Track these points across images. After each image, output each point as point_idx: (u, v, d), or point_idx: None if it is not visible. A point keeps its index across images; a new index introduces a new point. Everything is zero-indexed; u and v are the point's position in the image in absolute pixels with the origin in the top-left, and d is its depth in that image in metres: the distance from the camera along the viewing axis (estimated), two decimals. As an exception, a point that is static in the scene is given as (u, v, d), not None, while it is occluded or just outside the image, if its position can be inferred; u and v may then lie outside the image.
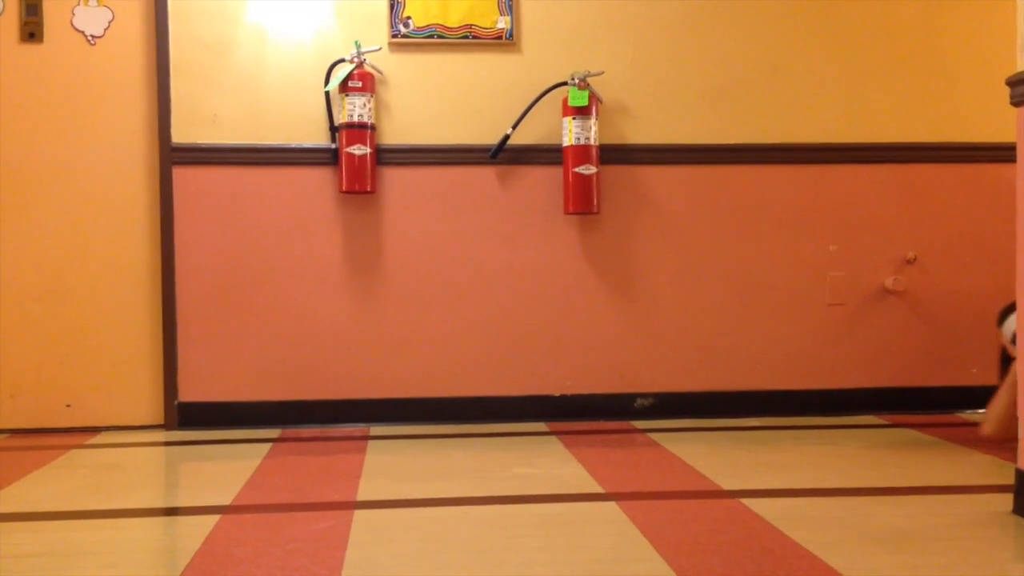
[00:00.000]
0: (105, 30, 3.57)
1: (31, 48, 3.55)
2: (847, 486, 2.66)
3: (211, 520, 2.33)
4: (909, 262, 3.81)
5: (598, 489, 2.64)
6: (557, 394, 3.72)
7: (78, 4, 3.55)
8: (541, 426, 3.57)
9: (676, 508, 2.45)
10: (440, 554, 2.10)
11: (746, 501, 2.46)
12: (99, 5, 3.56)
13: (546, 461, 3.02)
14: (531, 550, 2.11)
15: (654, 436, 3.38)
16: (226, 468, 2.96)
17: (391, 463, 3.02)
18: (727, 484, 2.66)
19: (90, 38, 3.57)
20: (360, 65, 3.50)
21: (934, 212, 3.83)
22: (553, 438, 3.36)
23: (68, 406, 3.61)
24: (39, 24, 3.54)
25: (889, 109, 3.79)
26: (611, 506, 2.44)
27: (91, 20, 3.56)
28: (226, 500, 2.54)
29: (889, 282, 3.80)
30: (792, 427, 3.55)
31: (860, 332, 3.81)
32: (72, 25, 3.56)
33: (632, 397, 3.75)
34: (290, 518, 2.37)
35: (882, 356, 3.82)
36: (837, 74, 3.77)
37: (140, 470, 3.13)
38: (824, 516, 2.36)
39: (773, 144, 3.75)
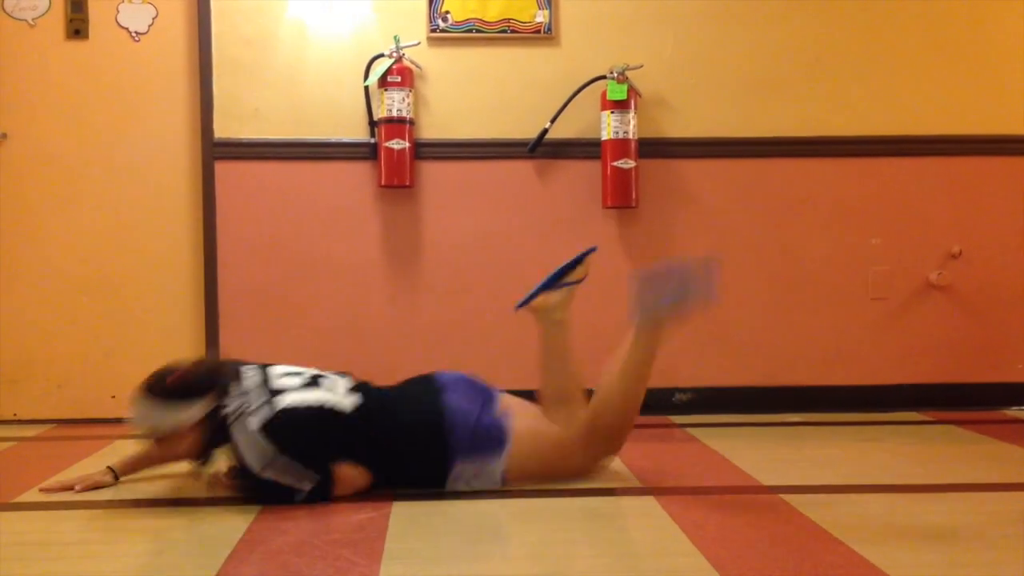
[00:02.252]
0: (149, 27, 3.62)
1: (77, 45, 3.61)
2: (889, 482, 2.63)
3: (254, 509, 2.36)
4: (954, 256, 3.76)
5: (636, 483, 2.63)
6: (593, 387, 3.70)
7: (123, 1, 3.61)
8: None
9: (715, 503, 2.44)
10: (478, 545, 2.11)
11: (786, 497, 2.44)
12: (143, 2, 3.61)
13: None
14: (570, 543, 2.11)
15: (693, 431, 3.36)
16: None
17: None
18: (767, 480, 2.64)
19: (134, 35, 3.62)
20: (399, 60, 3.52)
21: (980, 205, 3.77)
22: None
23: (113, 397, 3.67)
24: (84, 21, 3.59)
25: (933, 101, 3.74)
26: (649, 500, 2.44)
27: (135, 17, 3.61)
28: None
29: (933, 276, 3.75)
30: (833, 423, 3.52)
31: (903, 327, 3.77)
32: (117, 22, 3.61)
33: (671, 392, 3.73)
34: (330, 508, 2.39)
35: (926, 352, 3.77)
36: (879, 65, 3.73)
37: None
38: (865, 512, 2.33)
39: (814, 137, 3.72)
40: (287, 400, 2.40)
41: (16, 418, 3.65)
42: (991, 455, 2.98)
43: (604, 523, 2.27)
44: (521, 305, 2.71)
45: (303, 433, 2.39)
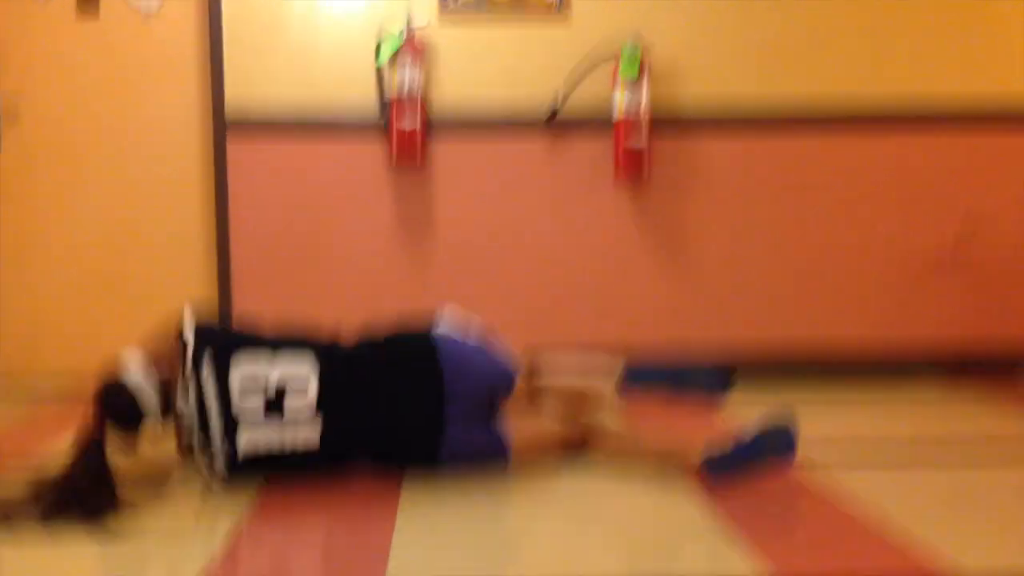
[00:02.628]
0: (160, 6, 3.61)
1: (87, 25, 3.61)
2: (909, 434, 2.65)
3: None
4: (975, 229, 3.73)
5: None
6: (607, 366, 3.72)
7: (133, -19, 3.60)
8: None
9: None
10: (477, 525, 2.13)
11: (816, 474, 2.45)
12: (153, -19, 3.61)
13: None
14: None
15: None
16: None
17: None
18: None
19: (144, 14, 3.62)
20: (410, 38, 3.51)
21: (995, 180, 3.74)
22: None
23: (128, 376, 3.70)
24: (95, 0, 3.59)
25: (950, 77, 3.70)
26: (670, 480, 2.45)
27: (145, -4, 3.61)
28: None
29: (955, 248, 3.73)
30: (853, 397, 3.51)
31: (925, 299, 3.75)
32: (127, 1, 3.61)
33: (682, 370, 3.73)
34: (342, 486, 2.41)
35: (946, 324, 3.75)
36: (898, 42, 3.69)
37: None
38: (881, 481, 2.34)
39: (828, 114, 3.69)
40: (244, 441, 2.27)
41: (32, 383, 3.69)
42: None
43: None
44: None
45: (267, 467, 2.34)
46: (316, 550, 2.00)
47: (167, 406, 2.32)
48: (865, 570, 1.83)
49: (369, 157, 3.62)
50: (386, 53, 3.50)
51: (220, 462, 2.28)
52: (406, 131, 3.50)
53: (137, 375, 2.32)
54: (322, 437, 2.31)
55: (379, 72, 3.55)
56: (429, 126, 3.58)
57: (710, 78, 3.67)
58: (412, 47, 3.50)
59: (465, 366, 2.43)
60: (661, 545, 2.02)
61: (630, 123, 3.52)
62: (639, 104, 3.51)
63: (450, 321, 2.58)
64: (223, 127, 3.59)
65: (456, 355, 2.44)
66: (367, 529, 2.09)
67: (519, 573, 1.87)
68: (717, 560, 1.88)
